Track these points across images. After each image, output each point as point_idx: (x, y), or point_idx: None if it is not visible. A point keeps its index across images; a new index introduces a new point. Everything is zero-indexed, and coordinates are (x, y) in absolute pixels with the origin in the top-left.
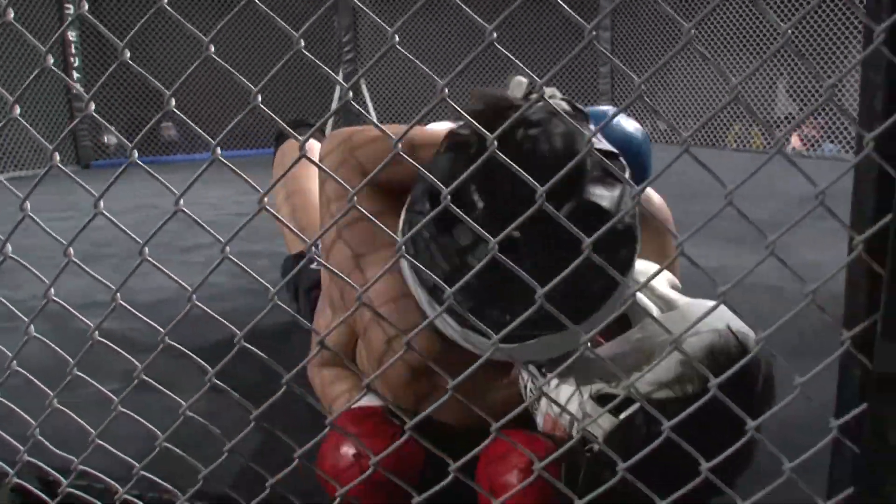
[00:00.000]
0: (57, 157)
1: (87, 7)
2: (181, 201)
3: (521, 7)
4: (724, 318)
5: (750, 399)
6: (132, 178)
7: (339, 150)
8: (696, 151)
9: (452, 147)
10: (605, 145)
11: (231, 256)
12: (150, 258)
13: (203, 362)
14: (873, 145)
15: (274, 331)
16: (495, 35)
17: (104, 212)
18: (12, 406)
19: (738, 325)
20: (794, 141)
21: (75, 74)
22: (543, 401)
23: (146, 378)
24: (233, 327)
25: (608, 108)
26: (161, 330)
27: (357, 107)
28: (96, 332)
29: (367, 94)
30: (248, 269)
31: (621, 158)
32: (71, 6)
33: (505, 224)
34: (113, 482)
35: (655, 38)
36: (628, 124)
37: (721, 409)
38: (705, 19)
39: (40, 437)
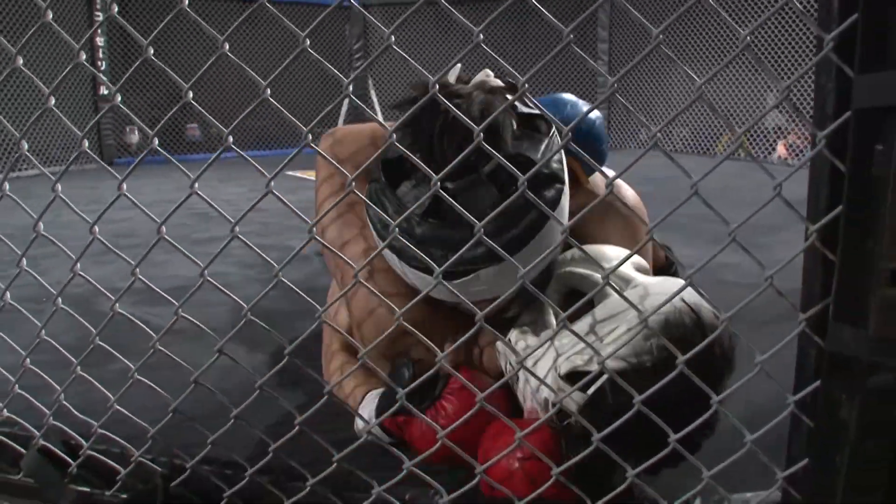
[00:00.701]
0: (86, 143)
1: (116, 10)
2: (196, 184)
3: (532, 14)
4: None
5: (708, 367)
6: (154, 175)
7: (339, 143)
8: (689, 159)
9: (398, 129)
10: (530, 109)
11: (240, 236)
12: (167, 237)
13: (213, 334)
14: (825, 143)
15: (305, 315)
16: (482, 37)
17: (126, 193)
18: (42, 374)
19: (692, 298)
20: (781, 149)
21: (102, 77)
22: (522, 386)
23: (161, 349)
24: (240, 301)
25: (568, 96)
26: (175, 303)
27: (360, 103)
28: (117, 305)
29: (374, 98)
30: (255, 248)
31: (546, 118)
32: (101, 14)
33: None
34: (129, 446)
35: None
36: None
37: (680, 378)
38: (702, 30)
39: (65, 403)
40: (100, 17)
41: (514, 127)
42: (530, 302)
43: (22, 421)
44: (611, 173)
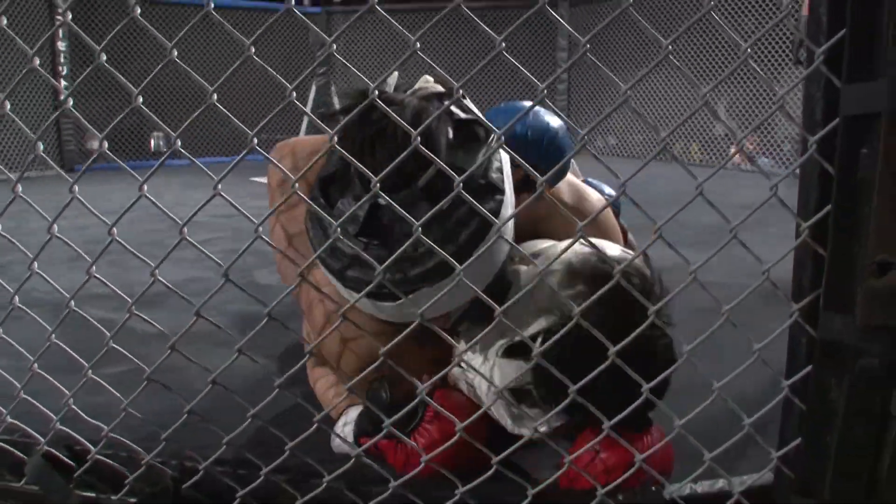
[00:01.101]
0: (105, 145)
1: (70, 17)
2: (219, 186)
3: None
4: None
5: (630, 291)
6: (117, 182)
7: (286, 157)
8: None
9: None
10: (467, 115)
11: (263, 237)
12: (189, 237)
13: (231, 334)
14: (816, 147)
15: (291, 317)
16: (503, 45)
17: (147, 195)
18: (50, 378)
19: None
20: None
21: (63, 82)
22: (486, 398)
23: (178, 350)
24: (261, 300)
25: (528, 104)
26: (194, 304)
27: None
28: (133, 307)
29: (337, 106)
30: (279, 249)
31: (483, 124)
32: (62, 19)
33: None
34: (138, 448)
35: (610, 59)
36: (551, 119)
37: (612, 311)
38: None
39: (74, 407)
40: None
41: (450, 135)
42: (481, 317)
43: (25, 427)
44: (607, 189)
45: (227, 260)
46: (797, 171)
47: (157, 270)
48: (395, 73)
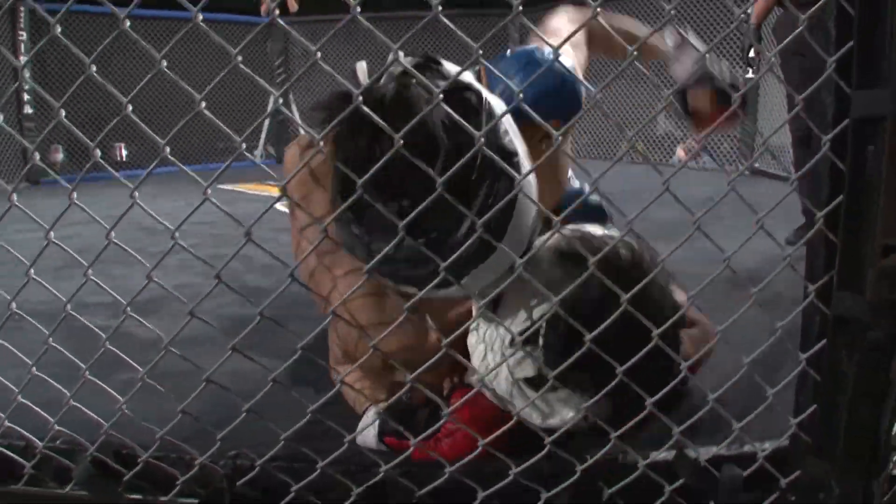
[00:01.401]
0: (168, 149)
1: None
2: (282, 190)
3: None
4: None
5: (619, 270)
6: (84, 194)
7: (298, 154)
8: (594, 164)
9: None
10: (461, 81)
11: (330, 236)
12: (254, 239)
13: (294, 333)
14: (829, 146)
15: (292, 318)
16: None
17: (212, 199)
18: (103, 385)
19: (572, 226)
20: (680, 153)
21: (26, 97)
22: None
23: (238, 350)
24: (317, 300)
25: (525, 49)
26: (252, 304)
27: (286, 112)
28: (193, 309)
29: (296, 113)
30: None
31: (475, 88)
32: (24, 33)
33: (397, 191)
34: (190, 449)
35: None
36: (564, 60)
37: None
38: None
39: (128, 412)
40: (23, 36)
41: (444, 111)
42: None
43: (72, 433)
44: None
45: (214, 265)
46: (745, 171)
47: (220, 274)
48: (363, 64)
